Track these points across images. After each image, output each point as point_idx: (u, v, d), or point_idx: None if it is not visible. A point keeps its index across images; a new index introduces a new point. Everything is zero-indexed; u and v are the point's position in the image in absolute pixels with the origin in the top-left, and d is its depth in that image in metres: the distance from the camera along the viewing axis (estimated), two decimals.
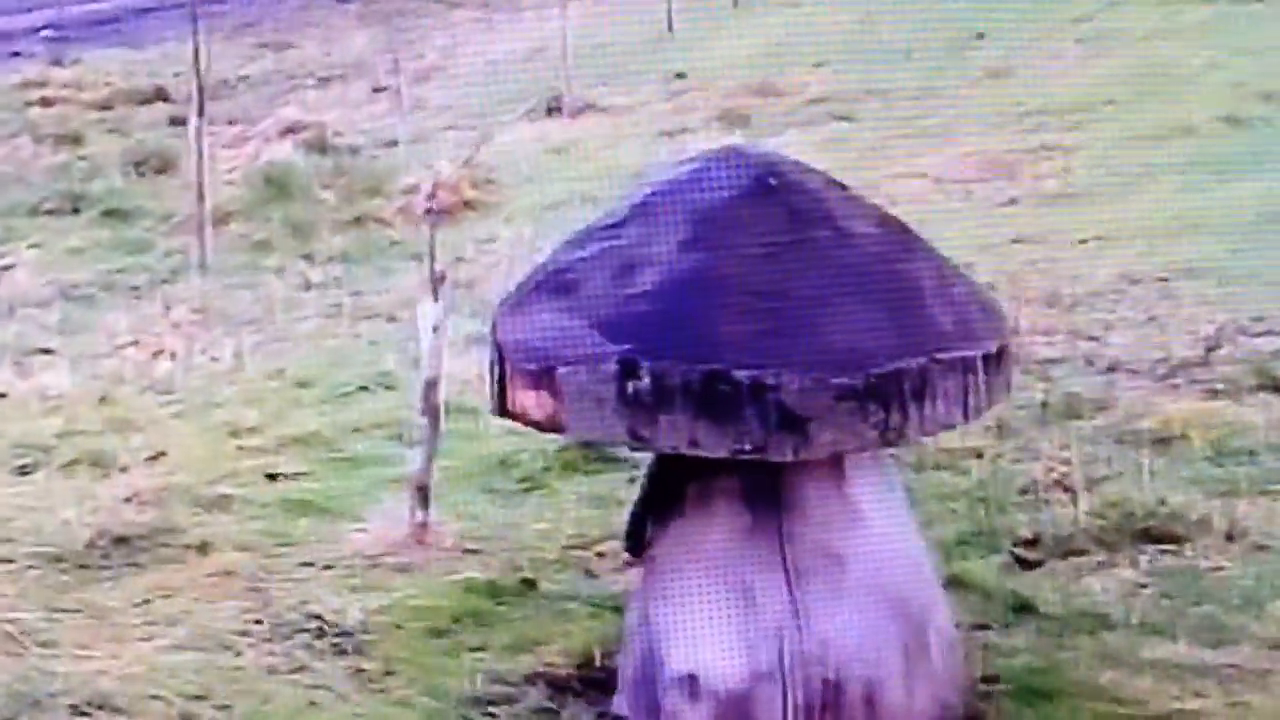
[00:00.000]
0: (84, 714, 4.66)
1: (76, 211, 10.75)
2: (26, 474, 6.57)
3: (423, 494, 5.74)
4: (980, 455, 6.32)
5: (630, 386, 4.12)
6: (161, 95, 14.11)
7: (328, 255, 9.62)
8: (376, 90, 14.59)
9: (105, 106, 13.88)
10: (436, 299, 5.76)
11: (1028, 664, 4.89)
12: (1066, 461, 6.16)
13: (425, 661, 5.01)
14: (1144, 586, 5.35)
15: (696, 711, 4.42)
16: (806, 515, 4.43)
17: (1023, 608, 5.23)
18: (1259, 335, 7.39)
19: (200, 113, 9.84)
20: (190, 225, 9.84)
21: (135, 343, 8.13)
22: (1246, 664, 4.86)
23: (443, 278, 5.99)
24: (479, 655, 5.03)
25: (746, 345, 4.12)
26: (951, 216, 9.11)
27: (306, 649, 5.08)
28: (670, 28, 14.68)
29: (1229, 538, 5.62)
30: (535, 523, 5.99)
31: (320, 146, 11.86)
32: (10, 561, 5.64)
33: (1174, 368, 7.16)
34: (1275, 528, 5.67)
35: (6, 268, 9.73)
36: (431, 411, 5.75)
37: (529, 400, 4.26)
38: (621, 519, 5.76)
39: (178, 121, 12.45)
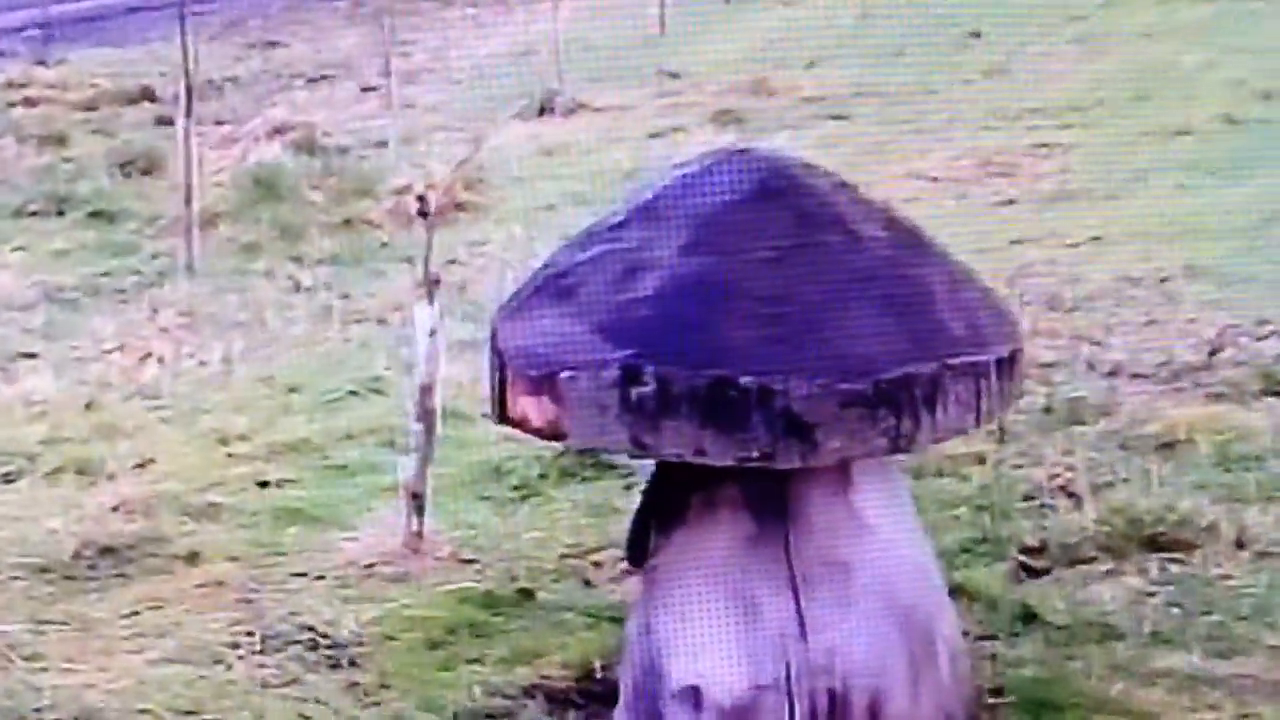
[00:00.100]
0: None
1: (61, 213, 10.65)
2: (11, 482, 6.48)
3: (417, 502, 5.65)
4: (982, 461, 6.24)
5: (634, 393, 4.02)
6: (147, 95, 14.01)
7: (317, 258, 9.52)
8: (365, 90, 14.52)
9: (90, 107, 13.78)
10: (432, 303, 5.63)
11: (1035, 675, 4.80)
12: (1070, 467, 6.09)
13: (421, 674, 4.94)
14: (1152, 595, 5.26)
15: None
16: (811, 523, 4.35)
17: (1029, 617, 5.15)
18: (1262, 339, 7.31)
19: (188, 113, 9.74)
20: (177, 227, 9.75)
21: (122, 347, 8.04)
22: (1260, 674, 4.78)
23: (436, 281, 5.89)
24: (476, 667, 4.95)
25: (753, 350, 4.03)
26: (949, 217, 9.04)
27: (299, 661, 5.01)
28: (662, 27, 14.61)
29: (1238, 545, 5.53)
30: (531, 531, 5.91)
31: (309, 147, 11.76)
32: None
33: (1177, 371, 7.09)
34: None
35: None
36: (426, 417, 5.65)
37: (529, 407, 4.16)
38: (618, 527, 5.73)
39: (164, 122, 12.37)
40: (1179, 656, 4.86)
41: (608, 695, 4.67)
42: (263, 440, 6.78)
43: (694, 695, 4.34)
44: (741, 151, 4.52)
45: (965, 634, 4.72)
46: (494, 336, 4.34)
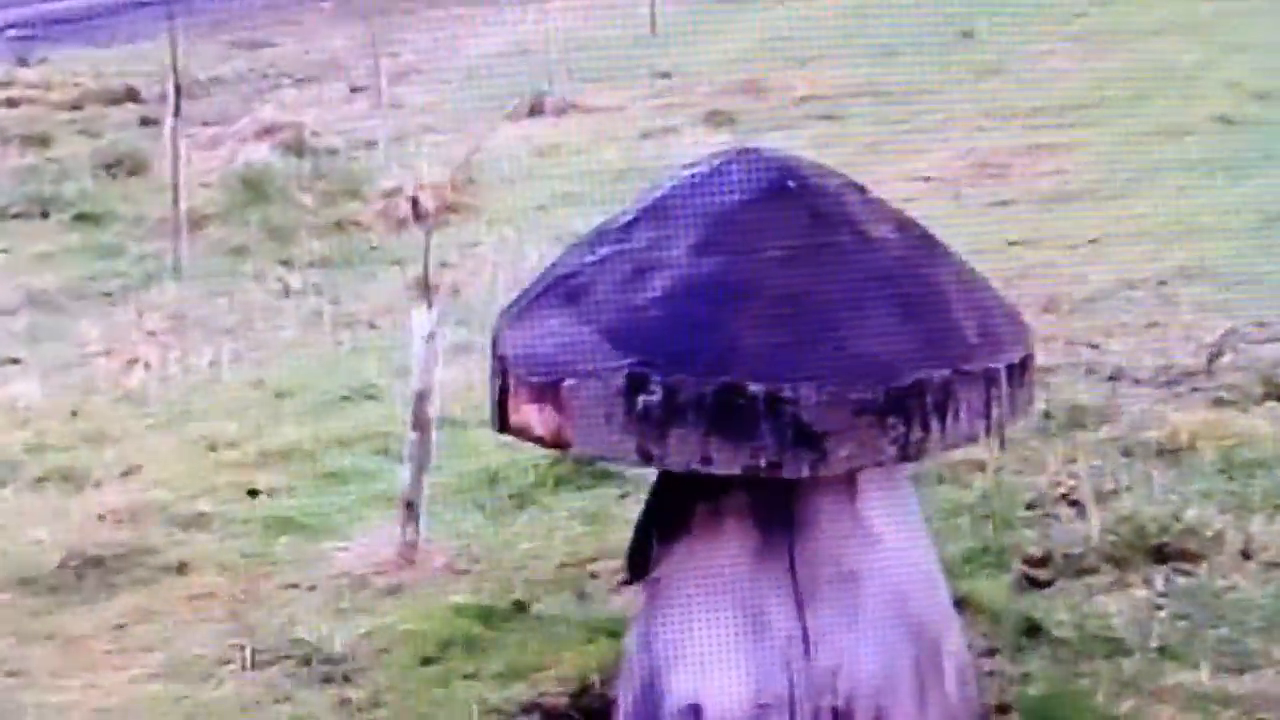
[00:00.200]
0: None
1: (45, 215, 10.55)
2: None
3: (412, 511, 5.56)
4: (982, 468, 6.14)
5: (640, 401, 3.93)
6: (132, 96, 13.89)
7: (307, 260, 9.41)
8: (354, 90, 14.41)
9: (75, 107, 13.66)
10: (429, 307, 5.55)
11: (1042, 691, 4.72)
12: (1073, 475, 5.99)
13: (415, 691, 4.86)
14: (1160, 608, 5.17)
15: None
16: (818, 534, 4.26)
17: (1033, 630, 5.05)
18: (1263, 342, 7.23)
19: (176, 113, 9.64)
20: (164, 229, 9.64)
21: (108, 352, 7.94)
22: (1272, 691, 4.69)
23: (427, 283, 5.82)
24: (471, 684, 4.87)
25: (762, 356, 3.95)
26: (945, 218, 8.95)
27: (290, 677, 4.94)
28: (653, 26, 14.52)
29: (1245, 555, 5.44)
30: (527, 541, 5.82)
31: (298, 148, 11.64)
32: None
33: (1178, 376, 7.00)
34: None
35: None
36: (422, 425, 5.56)
37: (532, 415, 4.07)
38: (615, 536, 5.67)
39: (149, 122, 12.29)
40: (1189, 672, 4.77)
41: (605, 712, 4.59)
42: (253, 447, 6.68)
43: (695, 713, 4.26)
44: (750, 151, 4.43)
45: (969, 648, 4.63)
46: (495, 342, 4.25)
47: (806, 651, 4.22)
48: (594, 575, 5.55)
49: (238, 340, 8.11)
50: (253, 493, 6.25)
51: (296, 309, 8.63)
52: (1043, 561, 5.49)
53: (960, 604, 4.88)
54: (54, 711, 4.68)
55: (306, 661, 5.00)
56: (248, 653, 5.05)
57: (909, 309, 4.13)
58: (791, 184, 4.27)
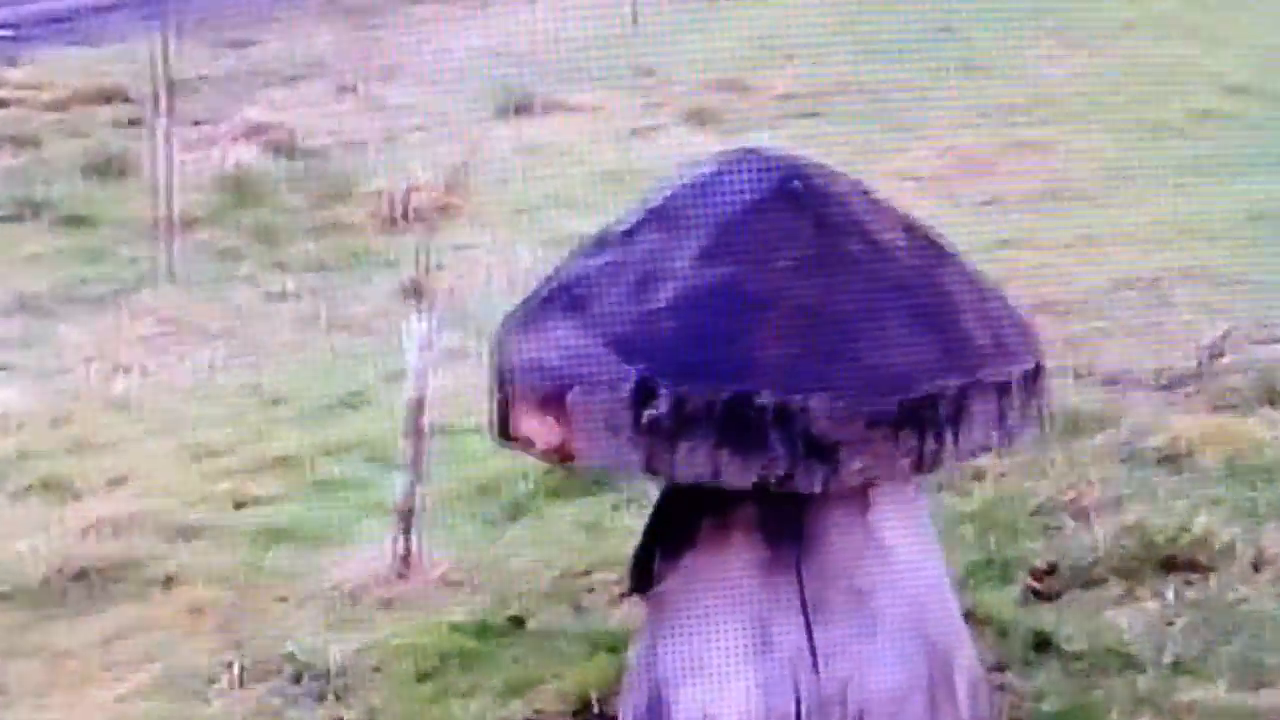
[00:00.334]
0: None
1: (33, 218, 10.43)
2: None
3: (407, 523, 5.46)
4: (982, 476, 6.05)
5: (647, 413, 3.83)
6: (120, 96, 13.79)
7: (298, 263, 9.30)
8: (341, 90, 14.33)
9: (62, 107, 13.56)
10: (427, 314, 5.46)
11: (1055, 709, 4.64)
12: (1075, 482, 5.93)
13: (410, 708, 4.78)
14: (1172, 621, 5.08)
15: None
16: (827, 547, 4.19)
17: (1043, 644, 4.97)
18: (1259, 343, 7.15)
19: (169, 113, 9.53)
20: (153, 232, 9.53)
21: (96, 357, 7.82)
22: None
23: (421, 288, 5.72)
24: (468, 701, 4.80)
25: (772, 366, 3.87)
26: (933, 218, 8.87)
27: (282, 695, 4.86)
28: (635, 22, 14.43)
29: (1256, 567, 5.36)
30: (523, 552, 5.73)
31: (287, 149, 11.55)
32: None
33: (1175, 379, 6.93)
34: None
35: None
36: (417, 434, 5.46)
37: (535, 426, 3.98)
38: (611, 548, 5.59)
39: (137, 123, 12.14)
40: (1205, 688, 4.69)
41: None
42: (244, 455, 6.58)
43: None
44: (753, 153, 4.33)
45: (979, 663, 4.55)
46: (497, 351, 4.16)
47: (815, 667, 4.15)
48: (591, 588, 5.46)
49: (229, 345, 8.01)
50: (244, 503, 6.18)
51: (289, 313, 8.53)
52: (1049, 572, 5.42)
53: (967, 616, 4.78)
54: None
55: (299, 678, 4.92)
56: (239, 668, 4.96)
57: (920, 317, 4.06)
58: (797, 187, 4.19)
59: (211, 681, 4.91)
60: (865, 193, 4.33)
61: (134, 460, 6.56)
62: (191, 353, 7.87)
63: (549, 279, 4.29)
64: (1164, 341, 7.30)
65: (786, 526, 4.14)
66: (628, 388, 3.86)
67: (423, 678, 4.92)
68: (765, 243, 4.05)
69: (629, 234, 4.19)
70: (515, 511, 6.05)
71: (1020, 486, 5.97)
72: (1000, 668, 4.83)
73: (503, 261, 8.65)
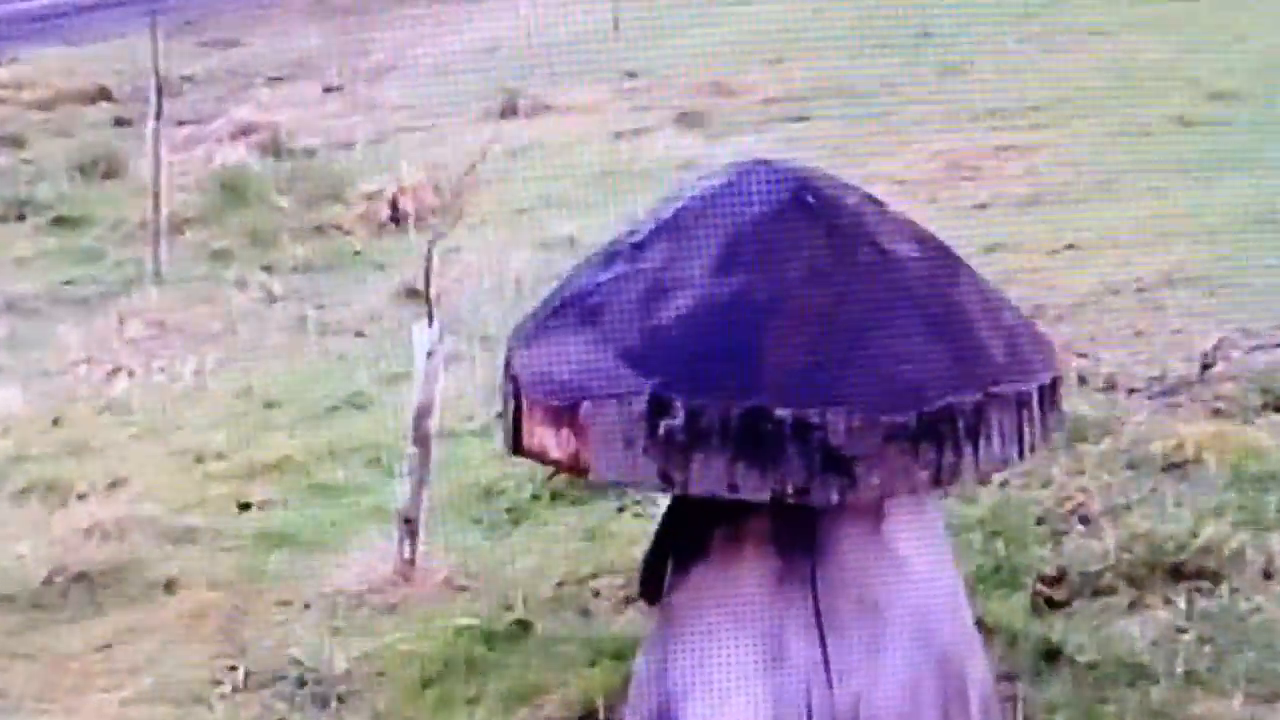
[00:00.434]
0: None
1: (21, 218, 10.37)
2: None
3: (410, 528, 5.41)
4: (986, 482, 5.99)
5: (662, 425, 3.78)
6: (105, 95, 13.74)
7: (289, 265, 9.25)
8: (328, 89, 14.27)
9: (47, 107, 13.49)
10: (431, 321, 5.41)
11: None
12: (1080, 490, 5.88)
13: (415, 715, 4.75)
14: (1183, 631, 5.02)
15: None
16: (841, 558, 4.13)
17: (1053, 654, 4.91)
18: (1255, 348, 7.11)
19: (158, 114, 9.47)
20: (142, 233, 9.47)
21: (89, 359, 7.77)
22: None
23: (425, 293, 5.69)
24: (472, 708, 4.76)
25: (788, 379, 3.81)
26: (923, 223, 8.84)
27: (285, 701, 4.83)
28: (615, 28, 14.40)
29: (1266, 575, 5.30)
30: (525, 557, 5.68)
31: (275, 149, 11.49)
32: None
33: (1173, 385, 6.87)
34: None
35: None
36: (422, 441, 5.41)
37: (548, 438, 3.92)
38: (614, 553, 5.57)
39: (123, 122, 12.13)
40: (1219, 700, 4.64)
41: None
42: (241, 458, 6.54)
43: None
44: (765, 163, 4.28)
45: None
46: (508, 362, 4.10)
47: (828, 680, 4.10)
48: (595, 593, 5.42)
49: (222, 347, 7.96)
50: (243, 506, 6.12)
51: (281, 315, 8.48)
52: (1057, 581, 5.36)
53: (976, 624, 4.74)
54: None
55: (301, 683, 4.89)
56: (240, 674, 4.93)
57: (936, 329, 4.00)
58: (809, 199, 4.14)
59: (213, 686, 4.87)
60: (877, 203, 4.29)
61: (131, 463, 6.52)
62: (184, 355, 7.82)
63: (560, 289, 4.24)
64: (1159, 346, 7.26)
65: (799, 537, 4.09)
66: (642, 400, 3.81)
67: (427, 684, 4.88)
68: (778, 254, 4.00)
69: (640, 245, 4.13)
70: (517, 516, 6.01)
71: (1025, 493, 5.92)
72: (1010, 678, 4.77)
73: (496, 264, 8.59)
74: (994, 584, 5.35)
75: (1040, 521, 5.73)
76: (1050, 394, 4.13)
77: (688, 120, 11.93)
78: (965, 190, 9.89)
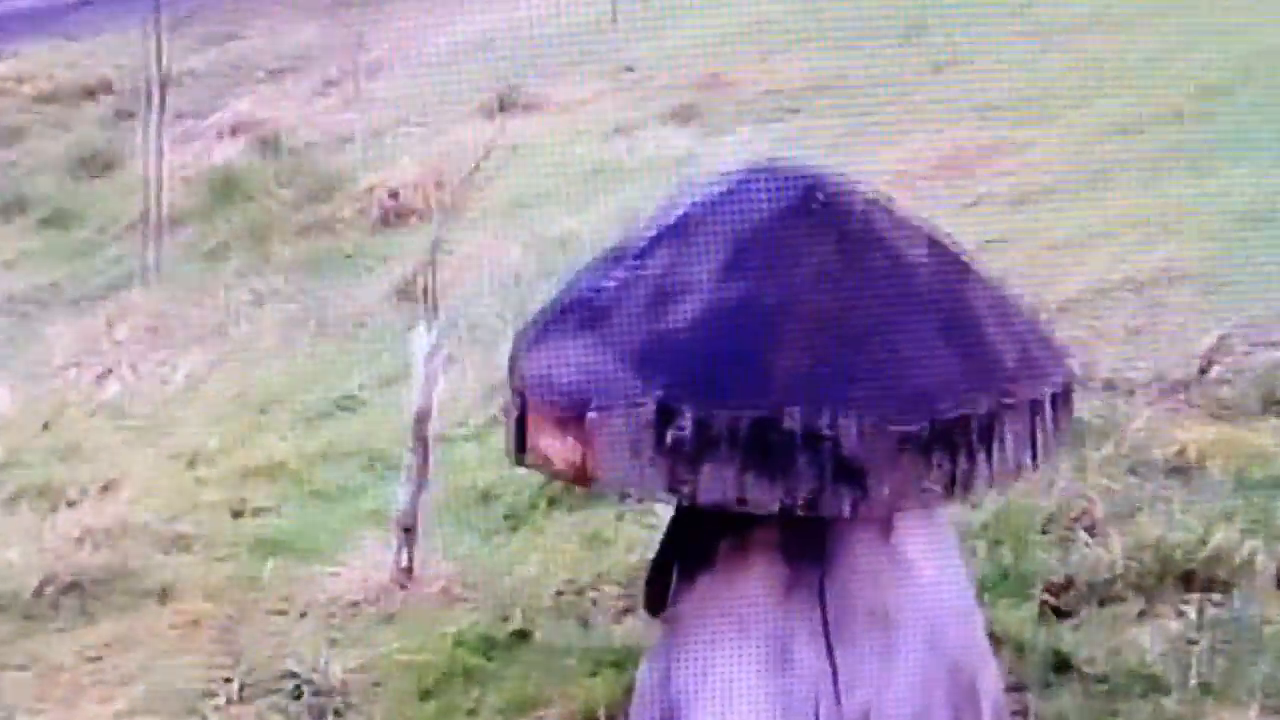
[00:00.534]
0: None
1: (18, 214, 10.30)
2: None
3: (409, 535, 5.33)
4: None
5: (670, 434, 3.69)
6: (106, 89, 13.66)
7: (285, 263, 9.18)
8: (327, 84, 14.20)
9: (47, 101, 13.42)
10: (431, 324, 5.34)
11: None
12: (1083, 494, 5.77)
13: None
14: (1195, 641, 4.92)
15: None
16: (850, 568, 4.05)
17: (1062, 665, 4.82)
18: (1256, 346, 7.02)
19: (161, 110, 9.38)
20: (138, 230, 9.38)
21: (81, 360, 7.69)
22: None
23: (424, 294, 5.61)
24: (472, 718, 4.69)
25: (798, 385, 3.72)
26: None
27: (281, 712, 4.75)
28: (614, 20, 14.33)
29: (1279, 584, 5.20)
30: (523, 564, 5.59)
31: (272, 145, 11.42)
32: None
33: (1173, 386, 6.78)
34: None
35: None
36: (421, 446, 5.33)
37: (553, 446, 3.84)
38: (613, 559, 5.48)
39: (123, 116, 12.04)
40: (1234, 712, 4.55)
41: None
42: (235, 462, 6.47)
43: None
44: (773, 164, 4.20)
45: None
46: (512, 367, 4.01)
47: (836, 692, 4.02)
48: (595, 601, 5.34)
49: (217, 347, 7.89)
50: (237, 512, 6.05)
51: (276, 314, 8.40)
52: (1065, 588, 5.26)
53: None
54: None
55: (298, 694, 4.81)
56: (235, 685, 4.85)
57: (948, 334, 3.92)
58: (819, 201, 4.05)
59: (207, 697, 4.80)
60: (887, 204, 4.20)
61: (124, 466, 6.44)
62: (179, 354, 7.75)
63: (564, 292, 4.15)
64: (1158, 345, 7.18)
65: (808, 546, 4.01)
66: (649, 408, 3.72)
67: (425, 695, 4.81)
68: (787, 258, 3.92)
69: (647, 248, 4.04)
70: (515, 521, 5.94)
71: (1028, 498, 5.82)
72: (1019, 688, 4.69)
73: (492, 261, 8.52)
74: (1000, 592, 5.26)
75: (1046, 527, 5.65)
76: (1064, 399, 4.03)
77: (683, 115, 11.87)
78: (959, 185, 9.81)
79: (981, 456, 3.80)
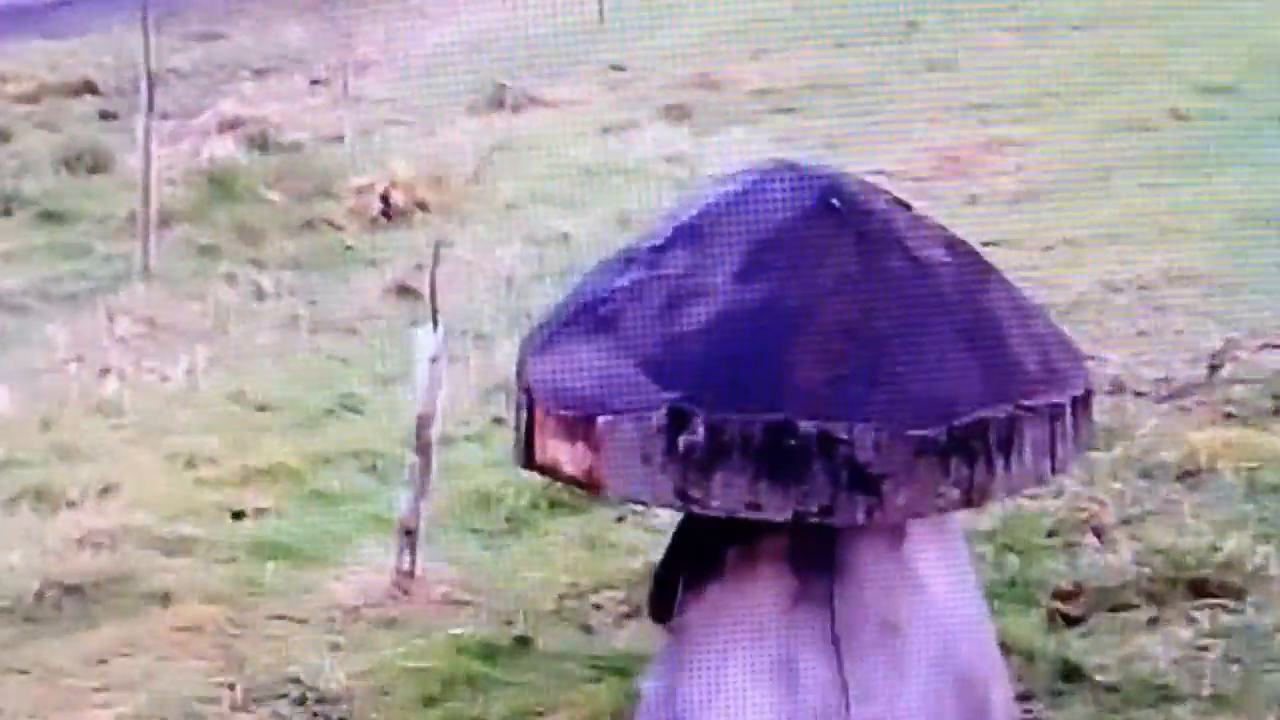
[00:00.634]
0: None
1: (7, 213, 10.20)
2: None
3: (410, 539, 5.27)
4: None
5: (681, 440, 3.64)
6: (90, 88, 13.57)
7: (279, 261, 9.09)
8: (314, 83, 14.13)
9: (32, 100, 13.32)
10: (435, 326, 5.28)
11: None
12: (1093, 499, 5.75)
13: None
14: (1206, 649, 4.89)
15: None
16: (860, 579, 4.02)
17: (1072, 673, 4.78)
18: (1261, 349, 6.99)
19: (150, 108, 9.30)
20: (130, 228, 9.30)
21: (78, 359, 7.59)
22: None
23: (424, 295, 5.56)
24: None
25: (812, 392, 3.69)
26: None
27: (282, 718, 4.70)
28: (601, 21, 14.29)
29: None
30: (525, 569, 5.56)
31: (262, 143, 11.33)
32: None
33: (1180, 389, 6.76)
34: None
35: None
36: (424, 450, 5.27)
37: (562, 453, 3.79)
38: (615, 564, 5.43)
39: (109, 116, 11.97)
40: None
41: None
42: (235, 464, 6.38)
43: None
44: (789, 165, 4.15)
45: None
46: (520, 372, 3.96)
47: (845, 703, 3.99)
48: (597, 606, 5.31)
49: (213, 346, 7.79)
50: (238, 515, 5.97)
51: (272, 313, 8.32)
52: (1073, 596, 5.23)
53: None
54: None
55: (301, 701, 4.76)
56: (237, 691, 4.80)
57: (966, 339, 3.89)
58: (837, 203, 4.00)
59: (209, 703, 4.75)
60: (906, 207, 4.17)
61: (123, 468, 6.36)
62: (174, 355, 7.65)
63: (573, 297, 4.10)
64: (1163, 347, 7.15)
65: (817, 556, 3.97)
66: (660, 414, 3.68)
67: (429, 702, 4.76)
68: (804, 261, 3.88)
69: (659, 250, 4.00)
70: (516, 525, 5.89)
71: (1035, 503, 5.78)
72: (1028, 698, 4.65)
73: (488, 260, 8.47)
74: (1008, 599, 5.22)
75: (1053, 534, 5.61)
76: (1083, 406, 4.00)
77: (676, 114, 11.83)
78: (956, 185, 9.79)
79: (1000, 464, 3.76)
